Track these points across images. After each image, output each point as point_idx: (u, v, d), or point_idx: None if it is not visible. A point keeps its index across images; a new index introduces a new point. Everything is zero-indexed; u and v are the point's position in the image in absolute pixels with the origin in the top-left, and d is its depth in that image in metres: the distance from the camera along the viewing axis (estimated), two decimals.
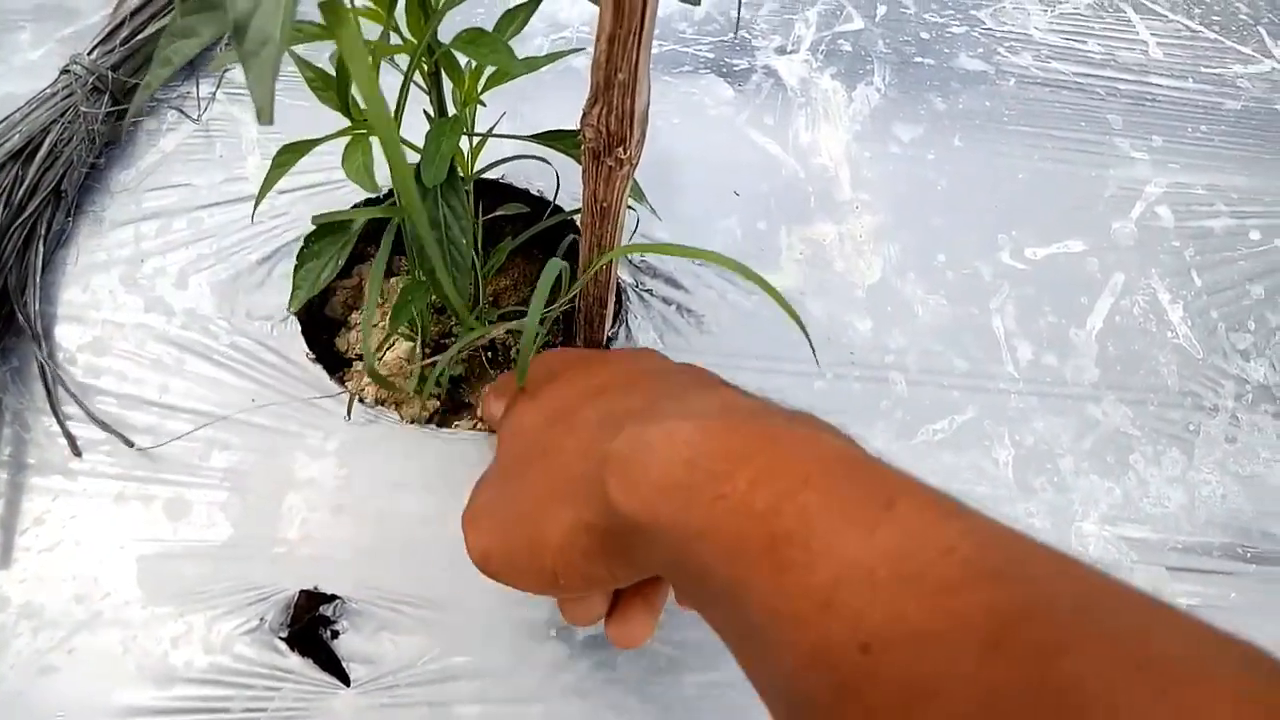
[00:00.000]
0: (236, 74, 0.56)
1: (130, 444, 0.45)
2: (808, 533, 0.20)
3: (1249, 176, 0.56)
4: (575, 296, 0.45)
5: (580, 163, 0.39)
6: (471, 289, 0.49)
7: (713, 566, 0.22)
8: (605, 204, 0.39)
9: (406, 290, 0.43)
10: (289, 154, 0.40)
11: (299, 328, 0.49)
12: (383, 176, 0.40)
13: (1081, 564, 0.20)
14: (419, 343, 0.51)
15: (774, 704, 0.23)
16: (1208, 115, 0.58)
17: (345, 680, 0.42)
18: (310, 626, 0.44)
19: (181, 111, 0.53)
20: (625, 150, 0.36)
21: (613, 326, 0.49)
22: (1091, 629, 0.18)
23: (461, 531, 0.35)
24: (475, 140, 0.43)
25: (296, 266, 0.42)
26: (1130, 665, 0.17)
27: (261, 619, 0.43)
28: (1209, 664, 0.17)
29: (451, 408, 0.51)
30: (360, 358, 0.52)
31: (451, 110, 0.39)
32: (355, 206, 0.52)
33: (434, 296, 0.44)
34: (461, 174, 0.43)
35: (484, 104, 0.39)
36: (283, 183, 0.53)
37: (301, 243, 0.41)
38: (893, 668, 0.18)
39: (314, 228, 0.42)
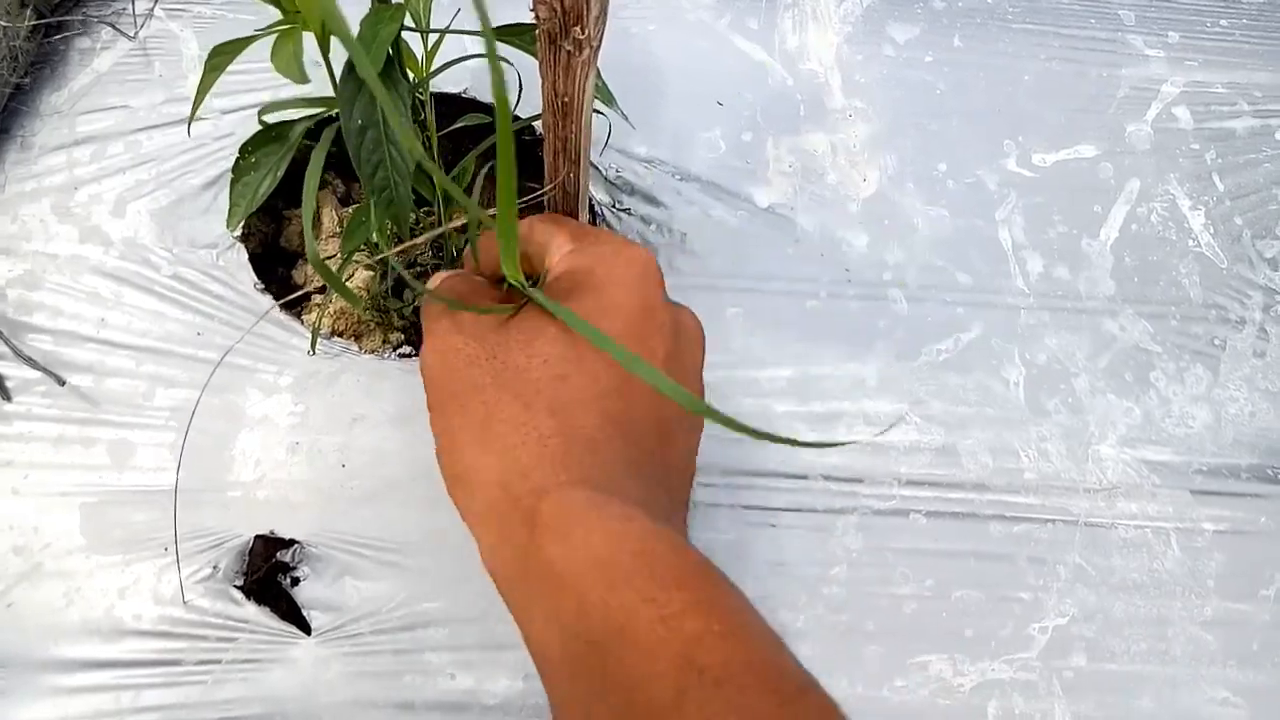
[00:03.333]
0: None
1: (62, 382, 0.41)
2: (723, 673, 0.21)
3: (1273, 73, 0.51)
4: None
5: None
6: (434, 213, 0.46)
7: (622, 653, 0.22)
8: (566, 99, 0.35)
9: (359, 210, 0.39)
10: (221, 55, 0.36)
11: (246, 255, 0.45)
12: (319, 78, 0.36)
13: None
14: (380, 273, 0.47)
15: None
16: (1228, 8, 0.53)
17: (306, 629, 0.39)
18: (268, 574, 0.41)
19: (116, 28, 0.49)
20: (583, 30, 0.31)
21: None
22: None
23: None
24: (430, 40, 0.39)
25: (233, 181, 0.38)
26: None
27: (215, 567, 0.40)
28: None
29: (415, 340, 0.48)
30: (319, 289, 0.48)
31: None
32: None
33: (389, 221, 0.40)
34: (414, 77, 0.39)
35: None
36: (226, 102, 0.49)
37: (237, 156, 0.38)
38: None
39: (249, 137, 0.38)
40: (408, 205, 0.34)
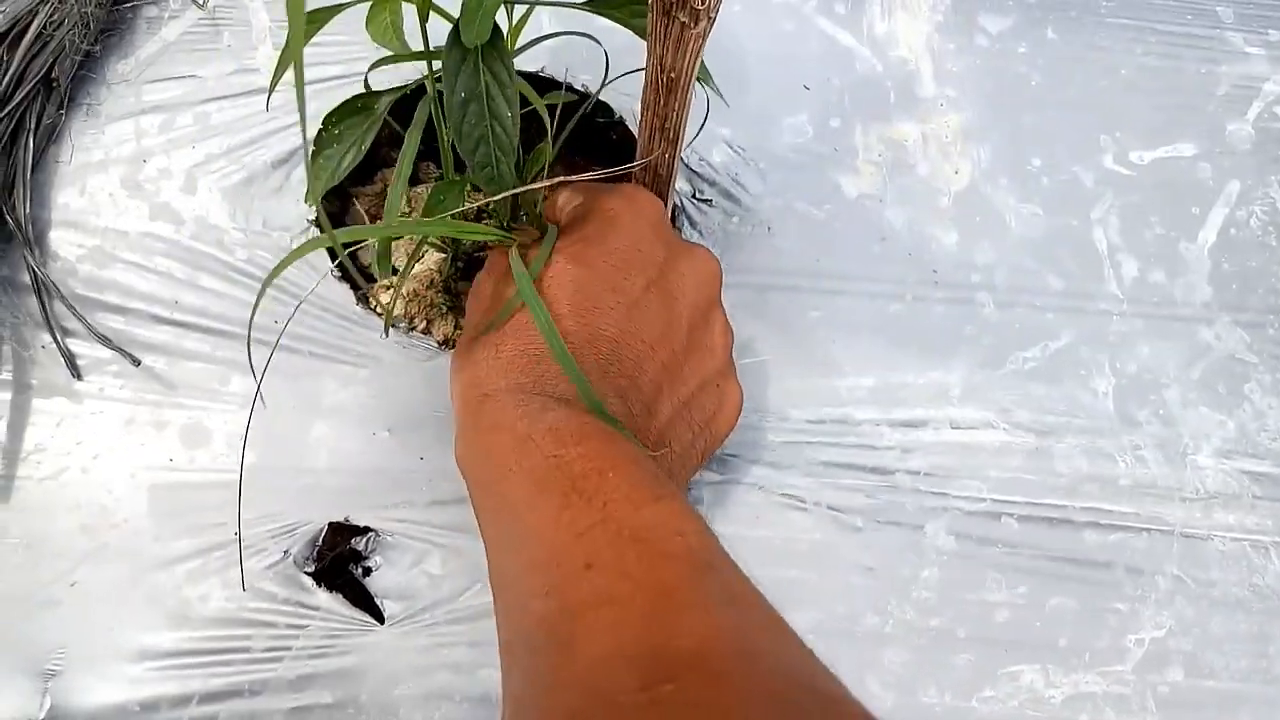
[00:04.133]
0: None
1: (136, 362, 0.40)
2: (594, 493, 0.26)
3: None
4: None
5: (643, 35, 0.34)
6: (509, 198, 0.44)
7: (520, 493, 0.28)
8: (673, 74, 0.33)
9: (439, 189, 0.38)
10: (309, 24, 0.35)
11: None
12: (415, 45, 0.34)
13: (769, 609, 0.26)
14: (451, 255, 0.46)
15: (503, 597, 0.28)
16: None
17: (379, 617, 0.39)
18: (339, 561, 0.40)
19: None
20: (703, 0, 0.30)
21: None
22: (731, 623, 0.24)
23: None
24: (516, 13, 0.37)
25: (314, 153, 0.37)
26: (735, 637, 0.23)
27: (286, 553, 0.39)
28: None
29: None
30: (393, 271, 0.47)
31: None
32: None
33: (468, 199, 0.39)
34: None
35: None
36: None
37: (319, 128, 0.36)
38: (599, 583, 0.24)
39: (334, 107, 0.37)
40: (510, 182, 0.33)
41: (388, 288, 0.46)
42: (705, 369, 0.35)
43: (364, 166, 0.50)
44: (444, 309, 0.45)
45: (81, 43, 0.44)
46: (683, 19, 0.31)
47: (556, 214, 0.39)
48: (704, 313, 0.35)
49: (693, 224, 0.44)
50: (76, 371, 0.40)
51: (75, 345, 0.41)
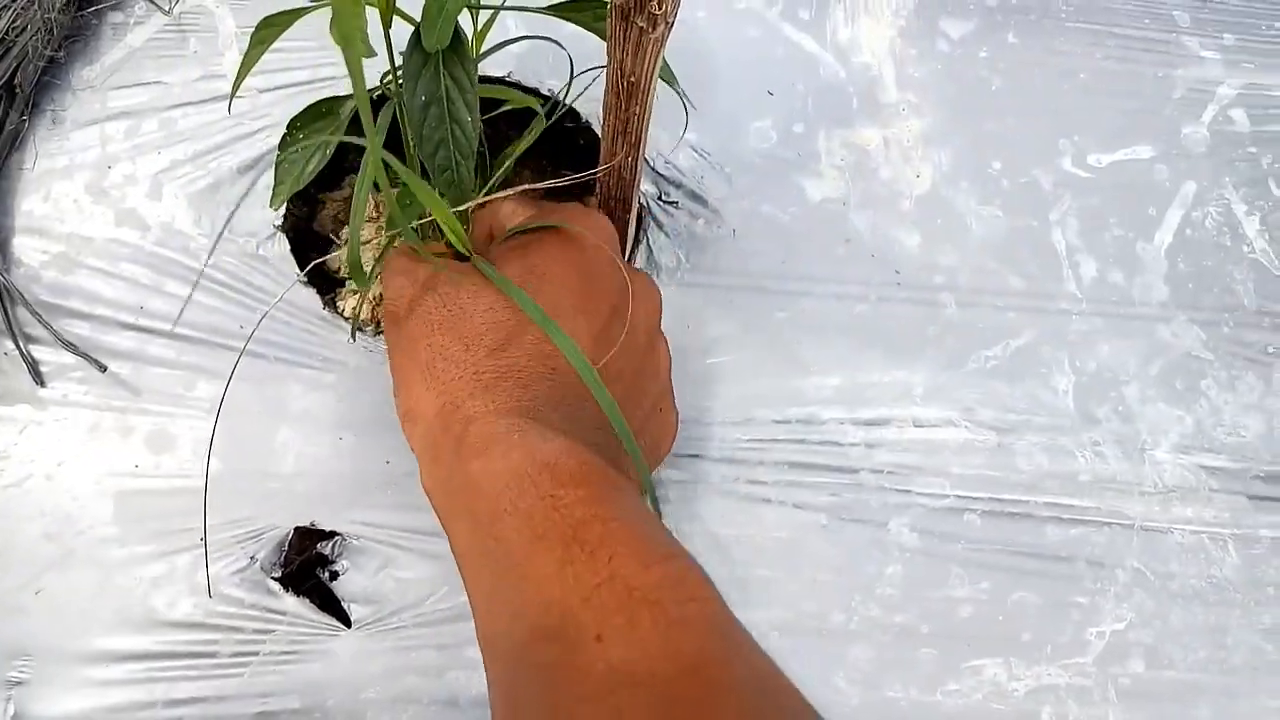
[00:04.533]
0: None
1: (103, 368, 0.40)
2: (598, 545, 0.24)
3: None
4: (595, 188, 0.40)
5: (604, 37, 0.34)
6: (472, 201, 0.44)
7: (516, 539, 0.26)
8: (633, 78, 0.34)
9: (402, 196, 0.38)
10: (270, 28, 0.35)
11: (288, 245, 0.44)
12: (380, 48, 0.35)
13: (791, 685, 0.24)
14: None
15: (502, 666, 0.26)
16: None
17: (346, 621, 0.39)
18: (306, 565, 0.40)
19: (151, 2, 0.47)
20: (660, 4, 0.30)
21: (634, 243, 0.44)
22: (760, 696, 0.23)
23: None
24: (481, 19, 0.38)
25: (279, 158, 0.37)
26: None
27: (252, 558, 0.39)
28: None
29: None
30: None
31: None
32: None
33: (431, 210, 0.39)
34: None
35: None
36: (264, 81, 0.48)
37: (284, 132, 0.37)
38: (613, 658, 0.22)
39: (298, 112, 0.37)
40: (469, 185, 0.33)
41: (354, 292, 0.46)
42: (652, 393, 0.35)
43: (331, 172, 0.50)
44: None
45: (45, 48, 0.44)
46: (640, 24, 0.31)
47: (496, 226, 0.37)
48: (651, 337, 0.35)
49: (659, 225, 0.45)
50: (40, 378, 0.40)
51: (39, 351, 0.41)
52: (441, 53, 0.31)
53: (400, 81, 0.33)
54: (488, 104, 0.43)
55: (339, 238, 0.48)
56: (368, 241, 0.48)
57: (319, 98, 0.38)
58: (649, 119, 0.37)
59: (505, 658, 0.26)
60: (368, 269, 0.47)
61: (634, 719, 0.21)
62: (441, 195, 0.35)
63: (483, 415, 0.29)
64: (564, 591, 0.24)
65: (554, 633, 0.23)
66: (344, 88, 0.47)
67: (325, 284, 0.46)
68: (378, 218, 0.48)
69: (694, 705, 0.21)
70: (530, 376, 0.30)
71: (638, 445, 0.33)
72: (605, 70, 0.35)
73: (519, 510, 0.26)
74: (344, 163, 0.51)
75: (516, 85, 0.47)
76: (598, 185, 0.40)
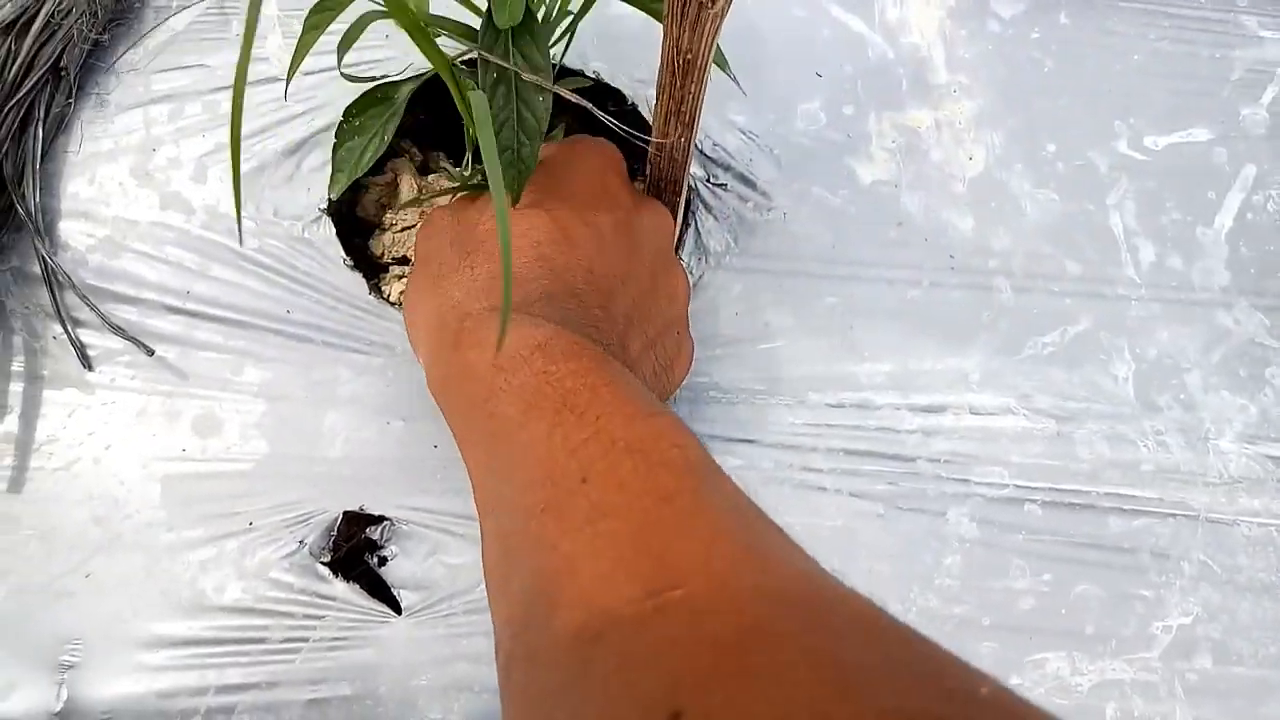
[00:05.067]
0: None
1: (150, 352, 0.40)
2: (587, 408, 0.26)
3: None
4: (646, 173, 0.39)
5: (660, 19, 0.34)
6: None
7: (509, 411, 0.27)
8: (689, 55, 0.33)
9: (477, 170, 0.38)
10: (324, 13, 0.35)
11: (333, 229, 0.44)
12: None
13: (773, 526, 0.24)
14: None
15: (492, 520, 0.28)
16: None
17: (396, 608, 0.38)
18: (355, 550, 0.39)
19: None
20: None
21: (682, 229, 0.43)
22: (737, 529, 0.23)
23: None
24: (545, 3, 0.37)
25: (336, 145, 0.36)
26: (750, 554, 0.22)
27: (301, 543, 0.39)
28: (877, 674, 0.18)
29: None
30: (398, 261, 0.46)
31: None
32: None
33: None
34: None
35: None
36: (309, 63, 0.47)
37: (340, 119, 0.36)
38: (594, 496, 0.23)
39: (355, 99, 0.37)
40: (530, 168, 0.33)
41: (399, 277, 0.45)
42: (668, 313, 0.36)
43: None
44: None
45: (90, 31, 0.44)
46: None
47: None
48: (665, 259, 0.36)
49: (708, 208, 0.44)
50: (88, 362, 0.40)
51: (86, 336, 0.40)
52: (513, 31, 0.31)
53: (469, 62, 0.32)
54: None
55: (383, 223, 0.48)
56: (410, 226, 0.47)
57: (367, 81, 0.37)
58: (704, 99, 0.36)
59: (496, 510, 0.27)
60: (410, 254, 0.47)
61: (613, 544, 0.22)
62: (504, 174, 0.35)
63: (477, 312, 0.31)
64: (552, 448, 0.25)
65: (542, 481, 0.25)
66: (391, 68, 0.46)
67: (370, 269, 0.46)
68: (420, 200, 0.48)
69: (668, 527, 0.22)
70: (526, 275, 0.32)
71: (653, 358, 0.34)
72: (661, 47, 0.34)
73: (512, 387, 0.27)
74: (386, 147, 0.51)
75: (561, 68, 0.47)
76: (648, 166, 0.39)
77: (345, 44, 0.32)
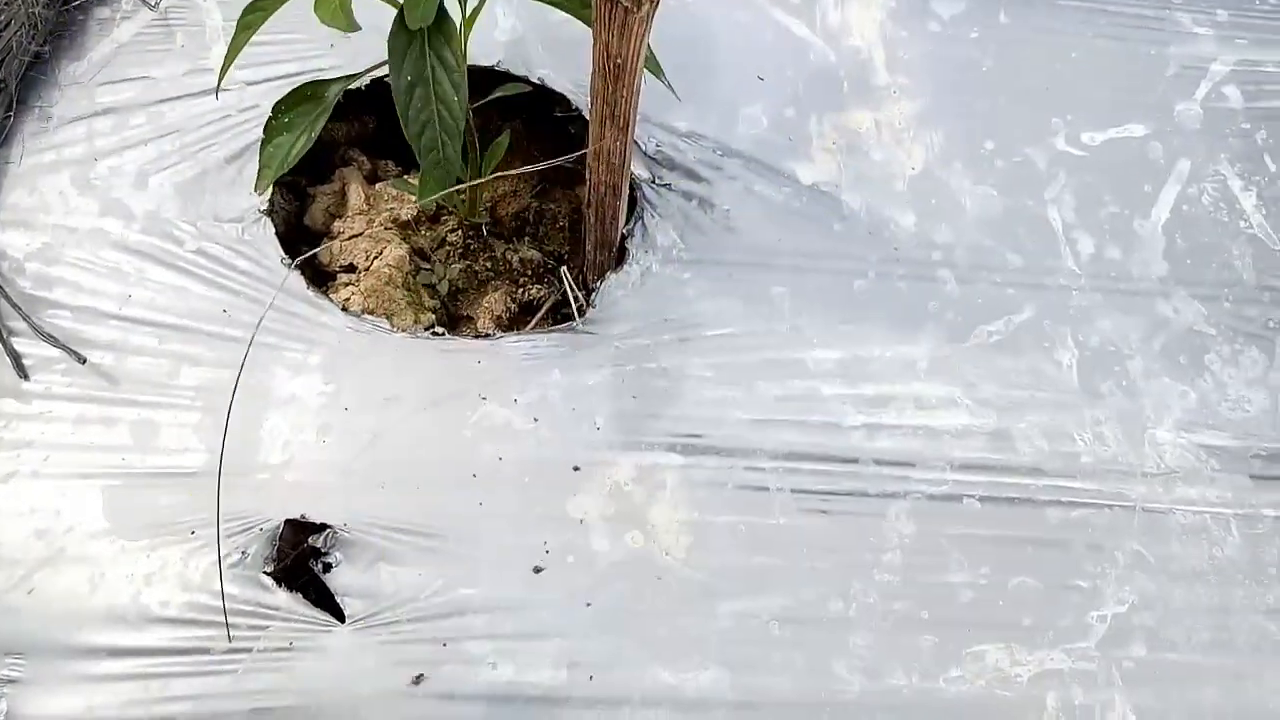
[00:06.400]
0: None
1: (82, 360, 0.40)
2: None
3: None
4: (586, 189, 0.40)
5: (589, 23, 0.34)
6: (464, 190, 0.44)
7: None
8: (619, 60, 0.33)
9: (426, 169, 0.38)
10: (256, 13, 0.35)
11: (272, 229, 0.44)
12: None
13: None
14: (409, 251, 0.46)
15: None
16: None
17: (340, 616, 0.38)
18: (299, 559, 0.39)
19: None
20: None
21: (628, 223, 0.44)
22: None
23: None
24: (469, 6, 0.37)
25: (263, 142, 0.37)
26: None
27: (244, 553, 0.39)
28: None
29: (448, 321, 0.46)
30: (345, 269, 0.46)
31: None
32: None
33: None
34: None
35: None
36: (252, 73, 0.48)
37: (269, 116, 0.36)
38: None
39: (284, 95, 0.37)
40: (455, 165, 0.33)
41: (347, 284, 0.45)
42: None
43: (321, 166, 0.50)
44: (403, 304, 0.45)
45: (30, 44, 0.44)
46: (625, 3, 0.31)
47: None
48: None
49: (653, 208, 0.44)
50: (23, 371, 0.40)
51: (21, 345, 0.40)
52: (427, 32, 0.31)
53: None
54: (477, 92, 0.43)
55: (331, 230, 0.48)
56: (359, 234, 0.47)
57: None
58: (637, 102, 0.36)
59: None
60: (358, 261, 0.47)
61: None
62: (429, 175, 0.35)
63: None
64: None
65: None
66: (330, 72, 0.46)
67: (317, 277, 0.46)
68: (368, 210, 0.48)
69: None
70: None
71: None
72: (592, 52, 0.34)
73: None
74: (334, 158, 0.51)
75: (505, 74, 0.47)
76: (588, 173, 0.39)
77: (232, 53, 0.32)
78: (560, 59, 0.45)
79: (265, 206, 0.43)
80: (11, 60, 0.43)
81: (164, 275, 0.41)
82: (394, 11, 0.32)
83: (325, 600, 0.39)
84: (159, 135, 0.44)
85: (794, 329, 0.41)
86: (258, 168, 0.34)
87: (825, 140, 0.45)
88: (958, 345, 0.41)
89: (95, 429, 0.39)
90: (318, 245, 0.48)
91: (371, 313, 0.44)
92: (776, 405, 0.41)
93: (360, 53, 0.45)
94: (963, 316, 0.42)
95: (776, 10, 0.48)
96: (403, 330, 0.43)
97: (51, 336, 0.39)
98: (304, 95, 0.35)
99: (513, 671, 0.37)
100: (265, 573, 0.38)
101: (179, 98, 0.45)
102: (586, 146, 0.40)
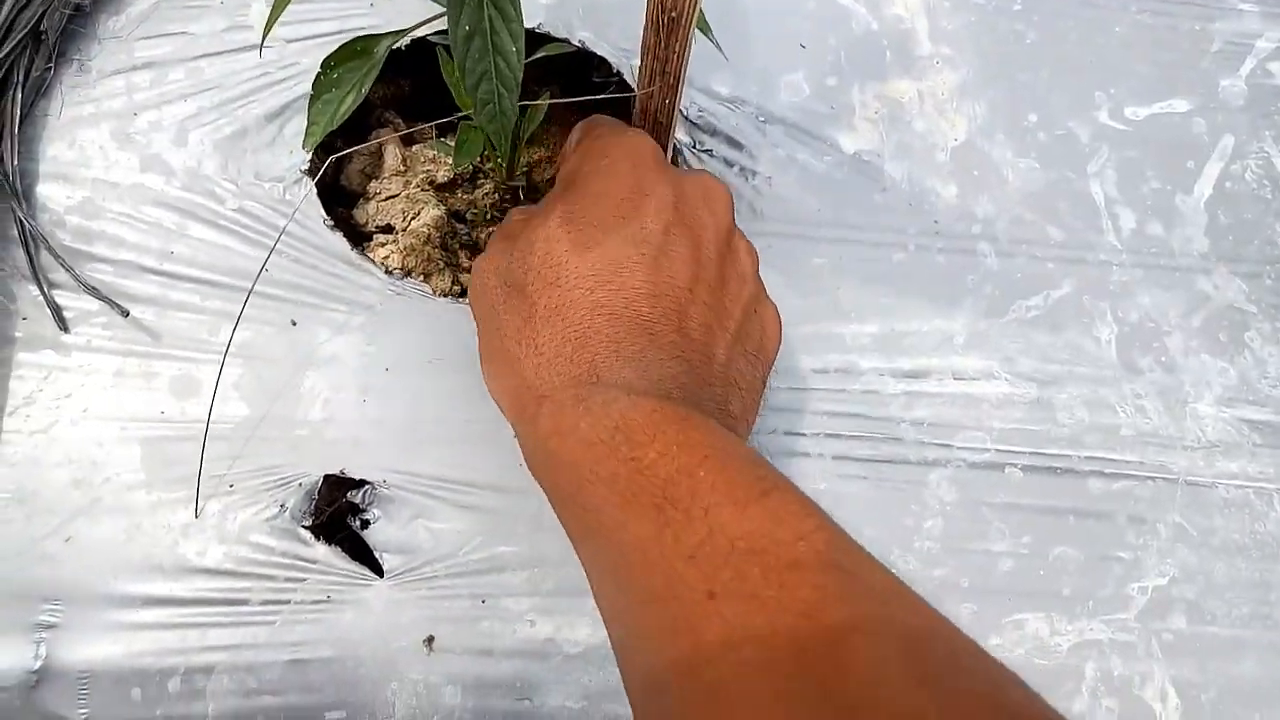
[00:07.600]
0: None
1: (125, 313, 0.40)
2: (691, 501, 0.24)
3: None
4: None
5: None
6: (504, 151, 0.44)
7: (605, 507, 0.26)
8: (674, 13, 0.33)
9: (463, 130, 0.38)
10: None
11: (315, 192, 0.44)
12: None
13: (917, 597, 0.24)
14: (446, 212, 0.45)
15: (619, 630, 0.26)
16: None
17: (378, 571, 0.38)
18: (337, 514, 0.39)
19: None
20: None
21: None
22: (886, 626, 0.21)
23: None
24: None
25: (312, 98, 0.36)
26: (905, 655, 0.20)
27: (282, 506, 0.38)
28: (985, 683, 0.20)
29: None
30: (382, 229, 0.46)
31: None
32: None
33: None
34: None
35: None
36: (293, 30, 0.47)
37: (318, 71, 0.36)
38: (728, 615, 0.22)
39: (333, 50, 0.37)
40: (511, 119, 0.32)
41: (383, 245, 0.45)
42: (743, 296, 0.33)
43: (359, 127, 0.50)
44: (440, 264, 0.45)
45: None
46: None
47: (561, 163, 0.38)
48: (726, 239, 0.34)
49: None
50: (64, 324, 0.40)
51: (62, 297, 0.40)
52: None
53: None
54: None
55: (367, 192, 0.48)
56: (395, 195, 0.47)
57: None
58: (688, 59, 0.36)
59: (623, 627, 0.26)
60: (395, 222, 0.47)
61: (770, 677, 0.21)
62: (485, 128, 0.35)
63: (552, 392, 0.29)
64: (665, 553, 0.23)
65: (664, 595, 0.23)
66: (378, 27, 0.46)
67: (354, 238, 0.45)
68: (404, 171, 0.48)
69: (819, 654, 0.20)
70: (588, 331, 0.30)
71: (743, 351, 0.33)
72: (646, 5, 0.34)
73: (600, 477, 0.26)
74: (371, 119, 0.50)
75: (547, 35, 0.47)
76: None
77: (277, 9, 0.32)
78: (600, 24, 0.45)
79: (306, 166, 0.43)
80: (53, 12, 0.43)
81: (205, 232, 0.41)
82: None
83: (363, 555, 0.38)
84: (198, 91, 0.44)
85: (834, 303, 0.41)
86: (306, 124, 0.34)
87: (868, 110, 0.45)
88: (995, 320, 0.41)
89: (135, 382, 0.39)
90: (353, 205, 0.47)
91: (410, 272, 0.44)
92: (815, 377, 0.41)
93: (401, 13, 0.45)
94: (1001, 290, 0.42)
95: None
96: (443, 294, 0.43)
97: (95, 289, 0.39)
98: (354, 50, 0.34)
99: (551, 628, 0.37)
100: (304, 526, 0.38)
101: (218, 54, 0.45)
102: (629, 113, 0.39)
